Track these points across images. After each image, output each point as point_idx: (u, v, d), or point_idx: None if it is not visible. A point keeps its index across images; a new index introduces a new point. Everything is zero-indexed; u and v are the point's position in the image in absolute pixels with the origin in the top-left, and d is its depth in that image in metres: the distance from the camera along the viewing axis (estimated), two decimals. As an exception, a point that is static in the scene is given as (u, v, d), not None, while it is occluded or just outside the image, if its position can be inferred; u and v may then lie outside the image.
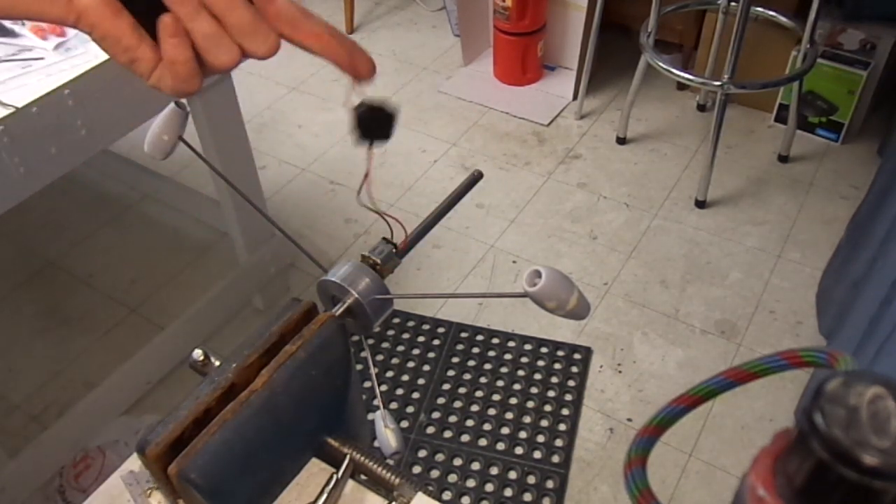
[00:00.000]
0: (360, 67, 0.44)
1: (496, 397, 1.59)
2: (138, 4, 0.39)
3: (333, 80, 2.49)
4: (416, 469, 1.47)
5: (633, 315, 1.75)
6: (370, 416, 0.61)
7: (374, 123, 0.48)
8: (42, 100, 1.03)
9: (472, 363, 1.65)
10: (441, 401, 1.58)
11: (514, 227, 1.99)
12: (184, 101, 0.55)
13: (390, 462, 0.54)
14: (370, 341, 1.70)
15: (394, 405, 1.58)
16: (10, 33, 1.15)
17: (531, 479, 1.44)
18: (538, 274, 0.44)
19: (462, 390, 1.60)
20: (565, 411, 1.56)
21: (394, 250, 0.56)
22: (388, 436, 0.53)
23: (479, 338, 1.70)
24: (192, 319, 1.62)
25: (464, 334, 1.71)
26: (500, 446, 1.50)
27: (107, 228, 2.02)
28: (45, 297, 1.85)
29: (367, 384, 1.48)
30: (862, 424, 0.23)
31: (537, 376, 1.62)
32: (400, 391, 1.60)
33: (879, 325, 1.22)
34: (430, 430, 1.53)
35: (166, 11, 0.39)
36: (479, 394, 1.59)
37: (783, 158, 2.15)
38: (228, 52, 0.40)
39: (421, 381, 1.62)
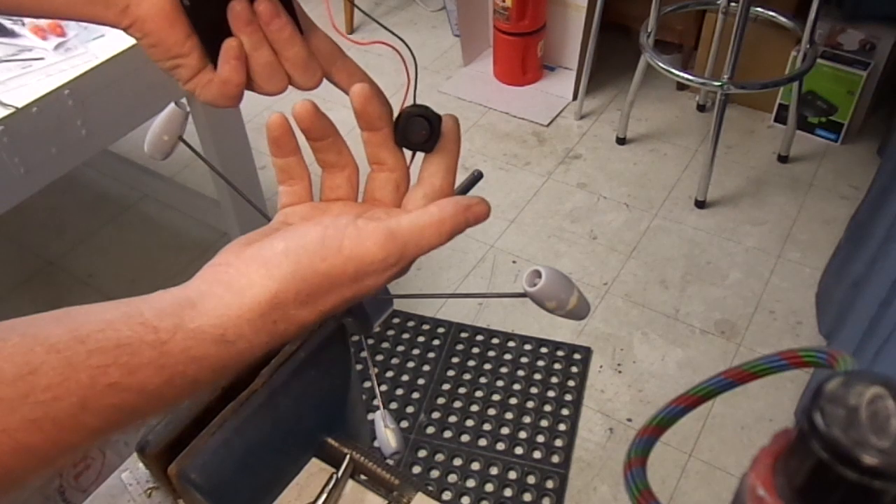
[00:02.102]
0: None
1: (496, 397, 1.59)
2: (203, 21, 0.40)
3: (333, 80, 2.49)
4: (416, 469, 1.47)
5: (632, 315, 1.75)
6: (370, 416, 0.61)
7: (423, 129, 0.43)
8: (42, 100, 1.03)
9: (472, 363, 1.65)
10: (441, 401, 1.58)
11: (514, 227, 1.99)
12: (184, 101, 0.56)
13: (390, 462, 0.54)
14: (370, 341, 1.70)
15: (394, 405, 1.58)
16: (10, 33, 1.15)
17: (531, 479, 1.44)
18: (538, 274, 0.43)
19: (462, 390, 1.60)
20: (565, 411, 1.56)
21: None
22: (388, 436, 0.53)
23: (479, 338, 1.70)
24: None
25: (464, 334, 1.71)
26: (500, 446, 1.50)
27: (107, 228, 2.02)
28: (45, 297, 1.85)
29: (367, 384, 1.48)
30: (862, 424, 0.23)
31: (537, 376, 1.62)
32: (400, 391, 1.60)
33: (879, 325, 1.22)
34: (430, 430, 1.53)
35: (229, 34, 0.41)
36: (479, 394, 1.59)
37: (783, 158, 2.15)
38: (279, 83, 0.44)
39: (421, 381, 1.62)
